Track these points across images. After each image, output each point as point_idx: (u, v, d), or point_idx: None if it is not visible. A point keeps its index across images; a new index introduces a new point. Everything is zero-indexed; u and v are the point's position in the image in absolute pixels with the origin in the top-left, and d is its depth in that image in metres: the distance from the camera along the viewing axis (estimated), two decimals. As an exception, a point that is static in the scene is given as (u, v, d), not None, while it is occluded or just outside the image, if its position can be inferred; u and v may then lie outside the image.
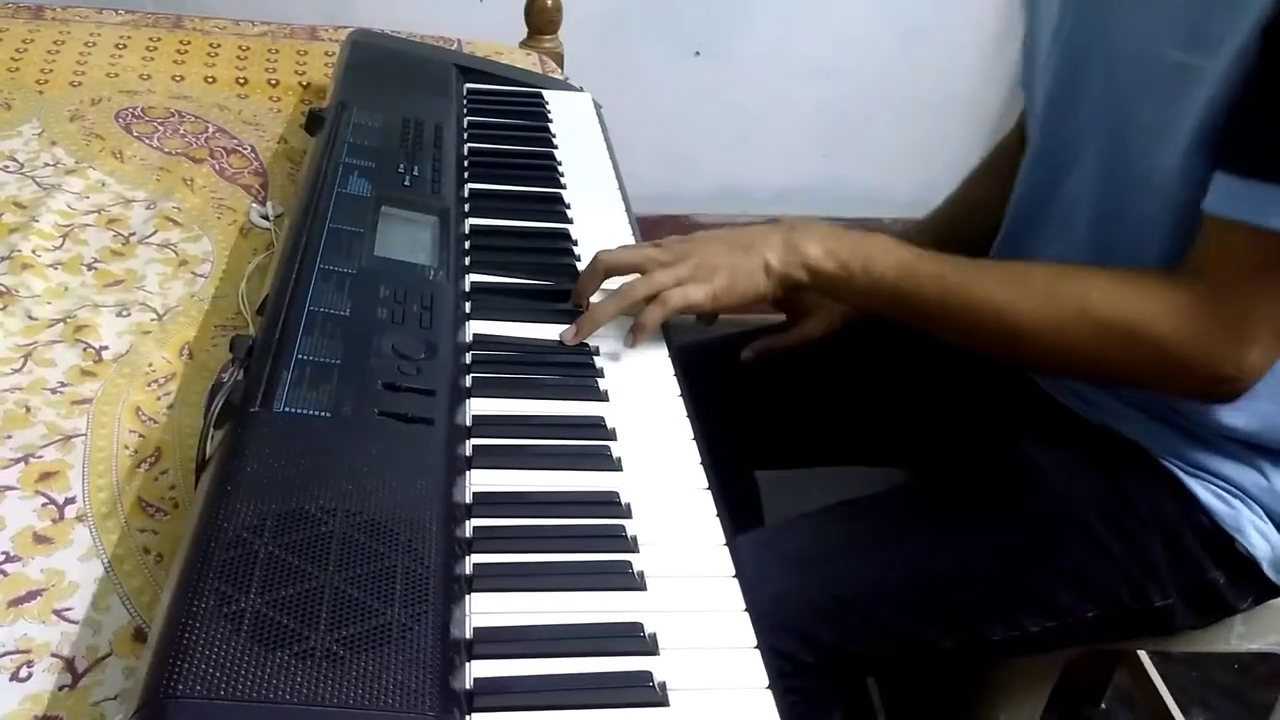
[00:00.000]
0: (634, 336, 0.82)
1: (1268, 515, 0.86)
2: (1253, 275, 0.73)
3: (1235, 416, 0.82)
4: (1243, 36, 0.70)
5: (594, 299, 0.86)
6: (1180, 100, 0.75)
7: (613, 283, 0.86)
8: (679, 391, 0.81)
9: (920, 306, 0.81)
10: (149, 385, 0.84)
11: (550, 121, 1.21)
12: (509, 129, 1.17)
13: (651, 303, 0.82)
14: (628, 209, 1.06)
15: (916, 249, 0.83)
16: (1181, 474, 0.86)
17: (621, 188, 1.10)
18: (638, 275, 0.84)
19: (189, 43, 1.38)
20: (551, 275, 0.91)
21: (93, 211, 1.04)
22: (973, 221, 1.02)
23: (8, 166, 1.09)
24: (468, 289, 0.88)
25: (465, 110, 1.19)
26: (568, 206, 1.04)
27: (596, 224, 1.01)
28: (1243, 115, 0.72)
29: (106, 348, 0.86)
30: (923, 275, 0.80)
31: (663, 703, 0.57)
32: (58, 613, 0.65)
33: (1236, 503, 0.86)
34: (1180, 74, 0.75)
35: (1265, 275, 0.72)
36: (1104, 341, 0.77)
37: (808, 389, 1.06)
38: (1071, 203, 0.88)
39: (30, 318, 0.88)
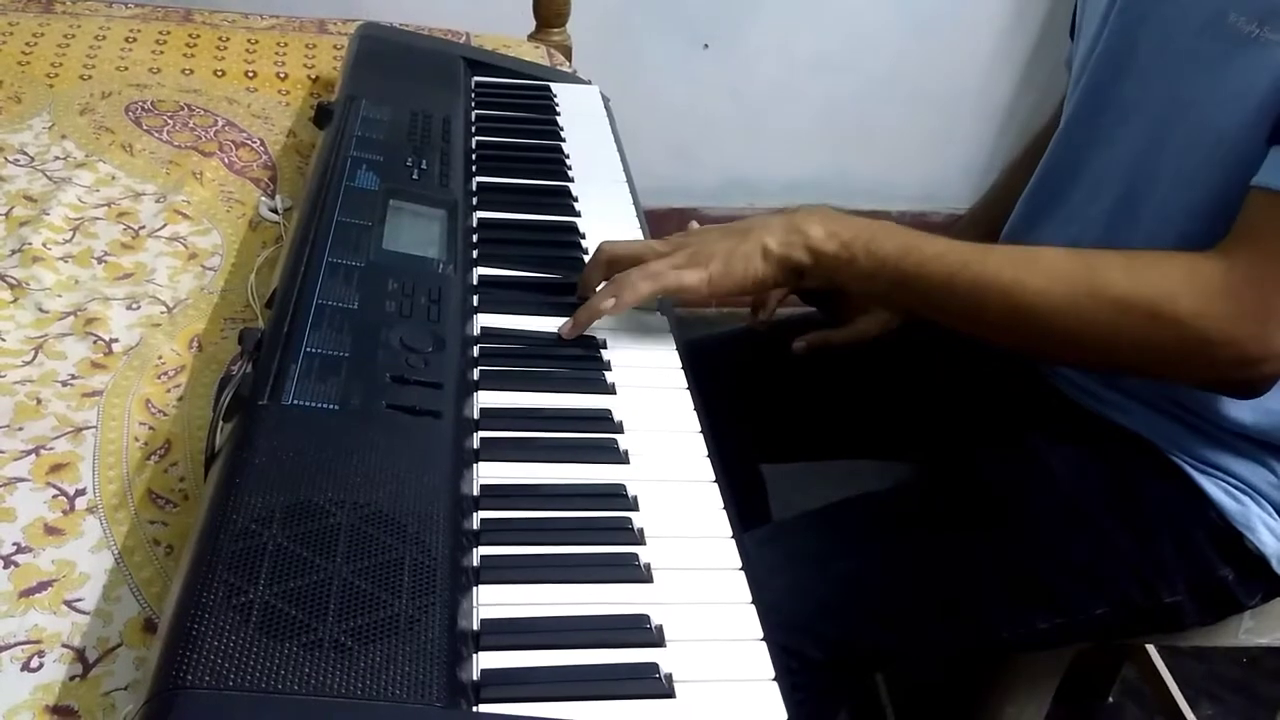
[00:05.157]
0: (615, 303, 0.79)
1: (1278, 512, 0.86)
2: None
3: (1243, 413, 0.82)
4: None
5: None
6: (1245, 74, 0.72)
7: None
8: (686, 384, 0.81)
9: (924, 289, 0.77)
10: (159, 378, 0.84)
11: (558, 115, 1.21)
12: (517, 122, 1.17)
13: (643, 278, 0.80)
14: (635, 202, 1.06)
15: (922, 233, 0.79)
16: (1191, 470, 0.85)
17: (629, 181, 1.10)
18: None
19: (198, 36, 1.38)
20: (559, 268, 0.91)
21: (103, 205, 1.04)
22: (1009, 212, 0.99)
23: (18, 160, 1.10)
24: (475, 282, 0.88)
25: (473, 103, 1.19)
26: (575, 200, 1.04)
27: (604, 217, 1.01)
28: None
29: (116, 340, 0.87)
30: (927, 255, 0.76)
31: (669, 694, 0.57)
32: (68, 603, 0.65)
33: (1246, 499, 0.85)
34: (1249, 47, 0.72)
35: None
36: (1120, 320, 0.72)
37: (814, 383, 1.05)
38: (1095, 183, 0.86)
39: (41, 310, 0.89)
